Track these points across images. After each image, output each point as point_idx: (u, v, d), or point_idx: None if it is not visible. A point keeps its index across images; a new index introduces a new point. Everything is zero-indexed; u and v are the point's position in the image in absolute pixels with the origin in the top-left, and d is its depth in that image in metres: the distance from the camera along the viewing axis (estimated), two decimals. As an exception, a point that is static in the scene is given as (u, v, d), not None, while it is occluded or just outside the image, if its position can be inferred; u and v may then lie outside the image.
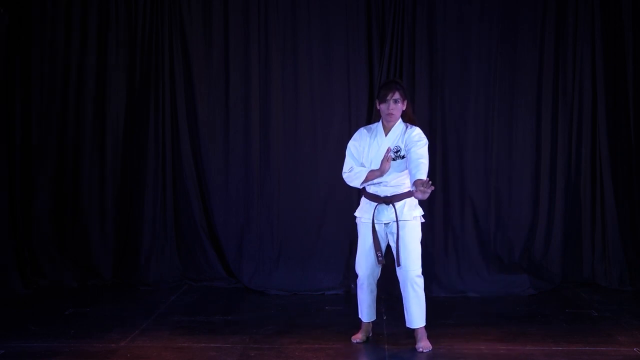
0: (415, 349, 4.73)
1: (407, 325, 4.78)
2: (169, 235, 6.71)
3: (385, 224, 4.73)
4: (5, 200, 6.39)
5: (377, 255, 4.72)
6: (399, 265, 4.67)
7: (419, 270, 4.70)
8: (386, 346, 4.85)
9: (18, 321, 5.40)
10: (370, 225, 4.71)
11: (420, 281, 4.71)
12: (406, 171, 4.67)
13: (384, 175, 4.65)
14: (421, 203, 6.33)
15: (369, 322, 4.95)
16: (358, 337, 4.92)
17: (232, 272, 6.63)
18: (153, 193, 6.64)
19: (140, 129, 6.65)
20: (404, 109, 4.75)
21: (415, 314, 4.74)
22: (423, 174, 4.49)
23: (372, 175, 4.67)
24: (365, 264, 4.78)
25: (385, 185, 4.70)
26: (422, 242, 6.32)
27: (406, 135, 4.69)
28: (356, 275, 4.90)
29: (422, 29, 6.45)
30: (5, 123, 6.47)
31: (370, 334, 4.99)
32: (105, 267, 6.69)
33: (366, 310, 4.92)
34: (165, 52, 6.63)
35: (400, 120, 4.76)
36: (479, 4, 6.51)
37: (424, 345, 4.73)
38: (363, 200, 4.82)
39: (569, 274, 6.56)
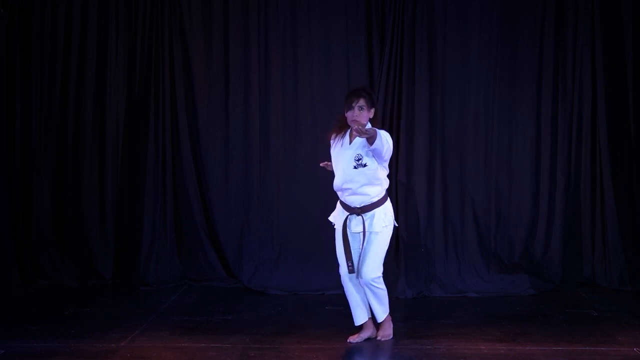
0: (415, 349, 4.73)
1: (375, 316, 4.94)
2: (169, 236, 6.71)
3: (355, 233, 4.82)
4: (5, 201, 6.39)
5: (347, 264, 4.80)
6: (358, 276, 4.80)
7: (376, 273, 4.77)
8: (386, 346, 4.85)
9: (18, 321, 5.39)
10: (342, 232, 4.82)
11: (377, 281, 4.79)
12: (374, 180, 4.74)
13: (348, 182, 4.73)
14: (421, 203, 6.41)
15: (362, 324, 4.93)
16: (354, 338, 4.90)
17: (232, 272, 6.63)
18: (153, 193, 6.64)
19: (140, 130, 6.64)
20: (370, 116, 4.77)
21: (377, 309, 4.89)
22: (379, 137, 4.53)
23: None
24: (344, 263, 4.84)
25: (354, 194, 4.75)
26: (422, 242, 6.39)
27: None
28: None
29: (422, 29, 6.45)
30: (6, 123, 6.47)
31: (374, 334, 4.96)
32: (105, 267, 6.69)
33: (356, 312, 4.91)
34: (165, 53, 6.63)
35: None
36: (478, 4, 6.51)
37: (382, 334, 4.93)
38: (338, 206, 4.93)
39: (569, 274, 6.55)
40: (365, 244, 4.75)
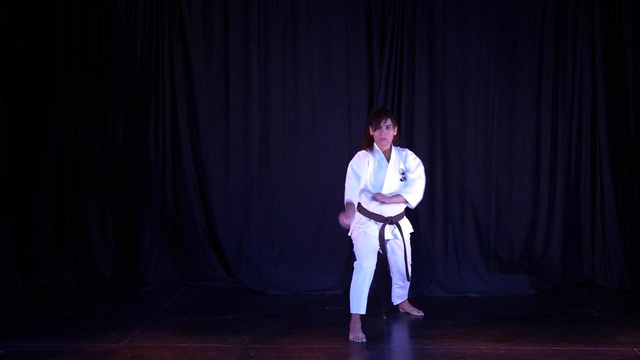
0: (416, 349, 4.74)
1: (404, 298, 5.63)
2: (169, 236, 6.70)
3: (386, 239, 5.24)
4: (5, 201, 6.39)
5: (388, 268, 5.37)
6: (408, 280, 5.45)
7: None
8: (386, 346, 4.86)
9: (18, 321, 5.40)
10: (376, 237, 5.15)
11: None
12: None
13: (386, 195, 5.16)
14: (421, 202, 6.40)
15: (358, 323, 5.02)
16: (361, 336, 4.93)
17: (232, 272, 6.63)
18: (153, 193, 6.64)
19: (140, 129, 6.65)
20: (395, 134, 5.26)
21: (407, 291, 5.66)
22: (411, 191, 5.18)
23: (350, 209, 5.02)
24: (372, 257, 5.09)
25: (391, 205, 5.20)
26: (422, 243, 6.40)
27: (404, 158, 5.28)
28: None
29: (422, 30, 6.45)
30: (6, 122, 6.47)
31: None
32: (105, 267, 6.69)
33: (365, 302, 5.00)
34: (165, 53, 6.63)
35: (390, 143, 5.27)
36: (478, 4, 6.51)
37: (416, 311, 5.62)
38: (362, 219, 5.19)
39: (569, 274, 6.56)
40: (406, 253, 5.32)
